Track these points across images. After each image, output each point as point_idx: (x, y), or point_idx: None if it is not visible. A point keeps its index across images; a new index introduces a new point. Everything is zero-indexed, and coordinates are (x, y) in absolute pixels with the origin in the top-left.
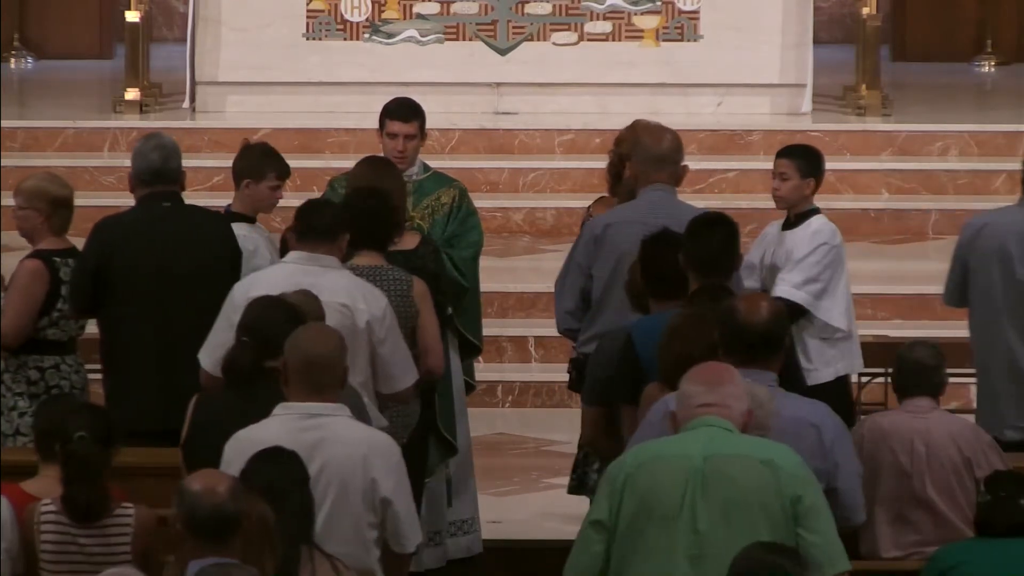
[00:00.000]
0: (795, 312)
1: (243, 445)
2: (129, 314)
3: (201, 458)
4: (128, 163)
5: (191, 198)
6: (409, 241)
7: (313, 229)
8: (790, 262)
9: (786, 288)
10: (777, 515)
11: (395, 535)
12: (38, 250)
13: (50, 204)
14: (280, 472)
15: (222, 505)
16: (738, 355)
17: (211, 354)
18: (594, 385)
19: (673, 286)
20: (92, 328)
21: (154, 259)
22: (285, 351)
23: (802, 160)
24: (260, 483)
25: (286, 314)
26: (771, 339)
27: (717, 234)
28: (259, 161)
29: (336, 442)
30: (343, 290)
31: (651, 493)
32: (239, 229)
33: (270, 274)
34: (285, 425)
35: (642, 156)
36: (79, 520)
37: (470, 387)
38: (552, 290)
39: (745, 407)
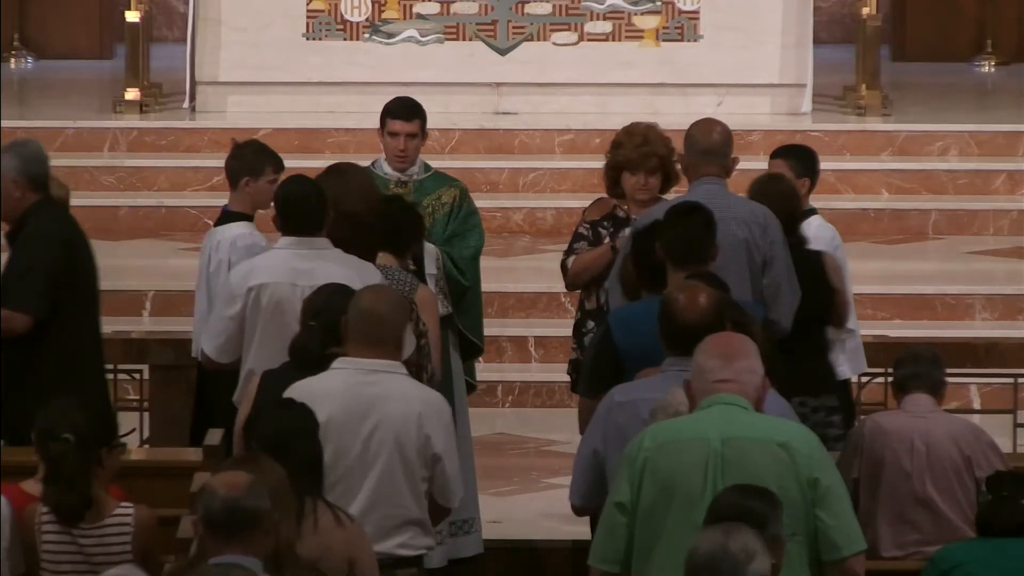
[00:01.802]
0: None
1: (303, 395)
2: (79, 315)
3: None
4: (129, 163)
5: (191, 198)
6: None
7: (302, 221)
8: None
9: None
10: (795, 498)
11: (443, 490)
12: None
13: None
14: (288, 422)
15: (239, 500)
16: (679, 349)
17: (213, 340)
18: (583, 376)
19: (665, 278)
20: None
21: (91, 260)
22: (348, 309)
23: (797, 160)
24: (268, 432)
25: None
26: (712, 331)
27: (694, 222)
28: (255, 158)
29: (393, 399)
30: (339, 272)
31: (672, 476)
32: (241, 228)
33: (266, 260)
34: (346, 378)
35: (692, 149)
36: (63, 521)
37: (471, 387)
38: (552, 290)
39: (759, 380)
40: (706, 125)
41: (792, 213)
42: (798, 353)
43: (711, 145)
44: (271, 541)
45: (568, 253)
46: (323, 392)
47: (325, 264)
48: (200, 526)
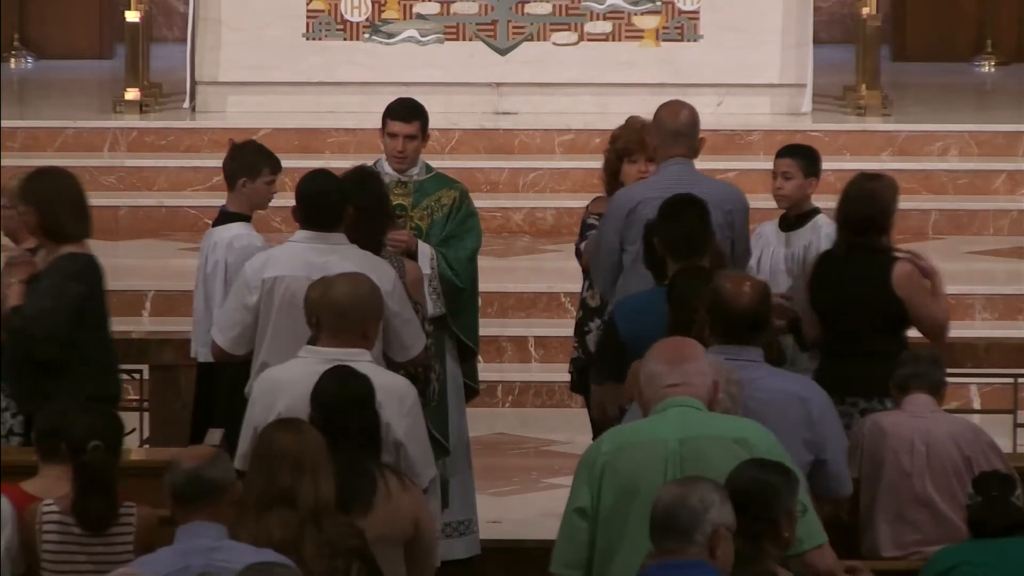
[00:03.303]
0: None
1: (267, 385)
2: None
3: None
4: (129, 163)
5: (191, 198)
6: None
7: (321, 216)
8: (807, 263)
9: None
10: None
11: (409, 474)
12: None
13: None
14: (344, 393)
15: (201, 471)
16: (726, 335)
17: (225, 332)
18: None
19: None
20: None
21: None
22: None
23: (805, 159)
24: (324, 403)
25: None
26: (757, 319)
27: (690, 215)
28: (252, 159)
29: None
30: (354, 268)
31: (632, 478)
32: (240, 228)
33: (281, 254)
34: (306, 367)
35: (660, 131)
36: (91, 529)
37: (473, 390)
38: (552, 290)
39: (710, 381)
40: (674, 106)
41: (875, 215)
42: (852, 356)
43: (679, 126)
44: (241, 510)
45: (582, 241)
46: (285, 380)
47: (340, 259)
48: (167, 497)
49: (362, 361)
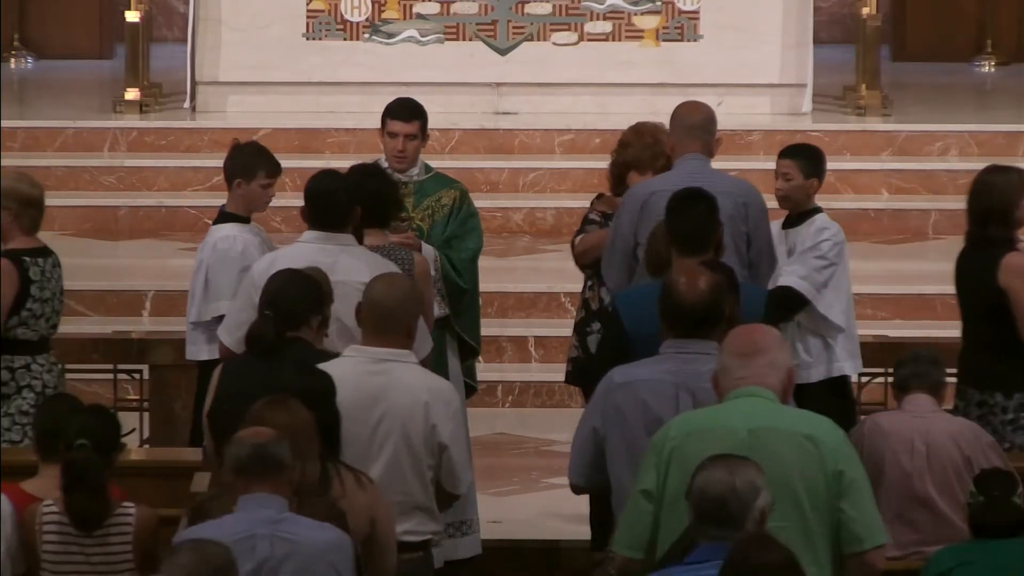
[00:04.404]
0: (796, 303)
1: None
2: None
3: (225, 426)
4: (129, 163)
5: (191, 198)
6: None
7: (328, 216)
8: (794, 255)
9: (792, 279)
10: (819, 489)
11: (449, 477)
12: (7, 249)
13: (20, 203)
14: (306, 387)
15: (266, 446)
16: (676, 328)
17: (232, 332)
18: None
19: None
20: (65, 328)
21: None
22: (363, 297)
23: (805, 160)
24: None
25: (305, 286)
26: (711, 314)
27: (698, 208)
28: (249, 160)
29: (399, 388)
30: (363, 269)
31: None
32: (230, 229)
33: (289, 254)
34: (354, 366)
35: (678, 127)
36: (80, 527)
37: (471, 389)
38: (552, 290)
39: (783, 373)
40: (692, 105)
41: (995, 207)
42: (969, 348)
43: (696, 122)
44: (292, 490)
45: (579, 235)
46: (334, 378)
47: (347, 259)
48: (229, 474)
49: (407, 362)
